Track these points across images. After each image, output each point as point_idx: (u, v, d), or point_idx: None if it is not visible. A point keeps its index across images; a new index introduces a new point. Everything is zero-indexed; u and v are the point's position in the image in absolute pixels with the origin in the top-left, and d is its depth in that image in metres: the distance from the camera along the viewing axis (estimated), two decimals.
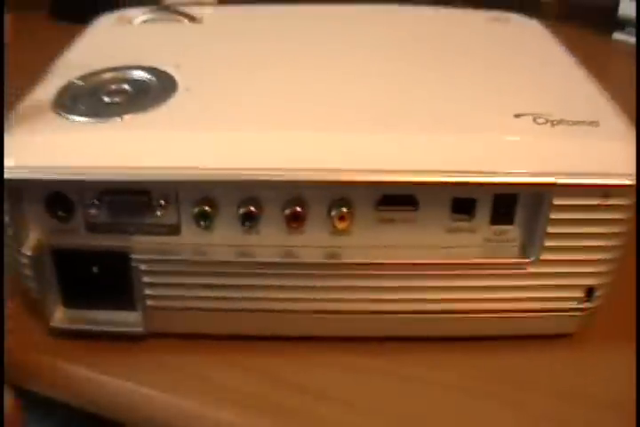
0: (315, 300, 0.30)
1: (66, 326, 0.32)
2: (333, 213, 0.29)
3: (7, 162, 0.28)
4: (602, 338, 0.32)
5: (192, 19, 0.39)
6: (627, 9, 0.65)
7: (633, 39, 0.64)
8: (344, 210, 0.29)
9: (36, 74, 0.33)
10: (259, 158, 0.28)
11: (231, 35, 0.38)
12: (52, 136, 0.29)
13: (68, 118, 0.30)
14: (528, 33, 0.39)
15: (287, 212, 0.29)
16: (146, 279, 0.30)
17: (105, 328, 0.32)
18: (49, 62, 0.34)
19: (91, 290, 0.32)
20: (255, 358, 0.31)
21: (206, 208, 0.29)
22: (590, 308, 0.31)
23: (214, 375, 0.31)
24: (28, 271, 0.30)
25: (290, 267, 0.30)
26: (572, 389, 0.30)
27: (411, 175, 0.28)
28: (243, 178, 0.28)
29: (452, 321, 0.31)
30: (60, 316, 0.32)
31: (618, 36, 0.66)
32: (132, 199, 0.29)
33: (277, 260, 0.30)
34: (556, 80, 0.33)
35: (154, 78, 0.32)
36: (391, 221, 0.29)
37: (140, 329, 0.32)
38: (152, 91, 0.31)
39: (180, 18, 0.39)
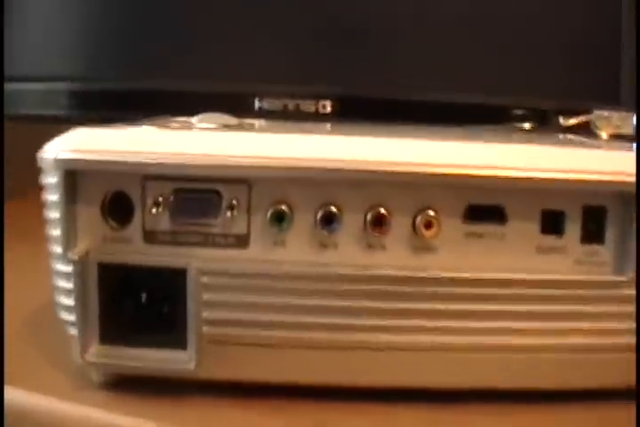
0: (393, 328, 0.27)
1: (102, 361, 0.28)
2: (419, 219, 0.27)
3: (65, 147, 0.27)
4: None
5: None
6: None
7: None
8: (431, 213, 0.27)
9: None
10: (334, 154, 0.27)
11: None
12: (116, 130, 0.28)
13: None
14: None
15: (370, 216, 0.27)
16: (205, 297, 0.27)
17: (151, 366, 0.28)
18: None
19: (136, 319, 0.28)
20: None
21: (283, 207, 0.27)
22: None
23: None
24: (67, 284, 0.27)
25: (370, 281, 0.27)
26: None
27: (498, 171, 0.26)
28: (318, 166, 0.26)
29: (539, 361, 0.28)
30: (95, 350, 0.28)
31: None
32: (200, 197, 0.27)
33: (356, 273, 0.27)
34: None
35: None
36: (479, 236, 0.27)
37: (190, 367, 0.27)
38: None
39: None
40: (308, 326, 0.27)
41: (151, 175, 0.27)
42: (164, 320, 0.28)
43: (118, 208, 0.27)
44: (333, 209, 0.26)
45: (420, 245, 0.27)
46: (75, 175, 0.27)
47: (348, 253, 0.27)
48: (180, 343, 0.28)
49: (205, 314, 0.27)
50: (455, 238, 0.27)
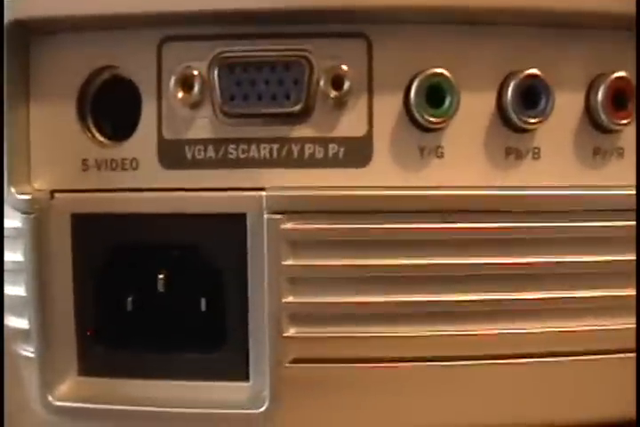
0: None
1: (85, 405, 0.14)
2: None
3: None
4: None
5: None
6: None
7: None
8: None
9: None
10: None
11: None
12: None
13: None
14: None
15: (604, 88, 0.14)
16: (288, 263, 0.13)
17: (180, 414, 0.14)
18: None
19: (147, 324, 0.14)
20: None
21: (441, 73, 0.14)
22: None
23: None
24: (13, 255, 0.14)
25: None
26: None
27: None
28: None
29: None
30: (71, 386, 0.14)
31: None
32: (272, 66, 0.14)
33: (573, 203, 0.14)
34: None
35: None
36: None
37: (257, 411, 0.13)
38: None
39: None
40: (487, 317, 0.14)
41: (174, 32, 0.13)
42: (204, 324, 0.14)
43: (110, 103, 0.14)
44: (536, 73, 0.13)
45: None
46: (25, 39, 0.13)
47: (558, 165, 0.14)
48: (237, 367, 0.14)
49: (290, 299, 0.13)
50: None
